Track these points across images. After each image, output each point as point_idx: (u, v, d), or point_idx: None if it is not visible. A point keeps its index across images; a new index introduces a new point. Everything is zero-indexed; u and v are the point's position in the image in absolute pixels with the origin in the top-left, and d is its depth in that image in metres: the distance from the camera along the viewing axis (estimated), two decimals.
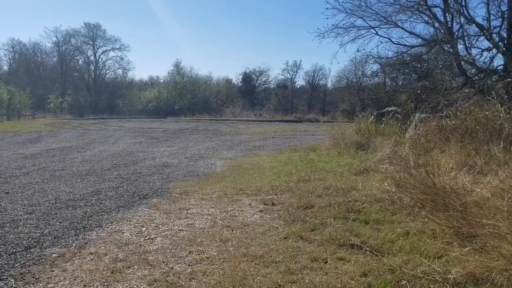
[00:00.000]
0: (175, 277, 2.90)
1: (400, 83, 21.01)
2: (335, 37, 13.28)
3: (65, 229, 3.98)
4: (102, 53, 45.99)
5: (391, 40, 13.47)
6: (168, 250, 3.43)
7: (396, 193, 4.71)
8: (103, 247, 3.50)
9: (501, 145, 5.37)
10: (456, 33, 11.61)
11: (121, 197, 5.36)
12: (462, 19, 11.30)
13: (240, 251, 3.35)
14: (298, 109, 38.79)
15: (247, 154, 10.00)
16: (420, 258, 3.08)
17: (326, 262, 3.10)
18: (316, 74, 42.80)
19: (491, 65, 11.35)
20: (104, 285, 2.79)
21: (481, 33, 11.22)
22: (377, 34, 13.24)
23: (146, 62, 75.51)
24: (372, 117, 11.30)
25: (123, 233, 3.90)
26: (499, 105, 6.67)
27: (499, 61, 11.68)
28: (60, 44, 44.88)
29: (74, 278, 2.89)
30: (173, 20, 70.91)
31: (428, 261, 3.02)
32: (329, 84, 43.07)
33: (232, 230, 3.94)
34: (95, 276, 2.92)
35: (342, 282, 2.74)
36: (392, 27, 12.94)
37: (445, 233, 3.51)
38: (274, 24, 73.05)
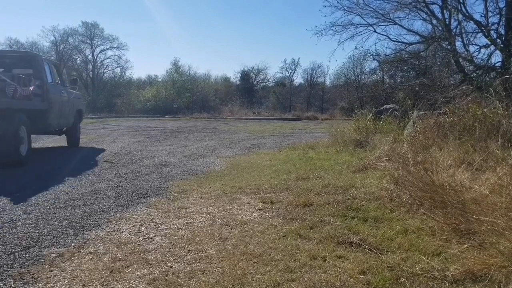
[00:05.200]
0: (174, 276, 2.90)
1: (398, 80, 21.06)
2: (333, 34, 13.31)
3: (64, 229, 3.97)
4: (100, 52, 45.81)
5: (389, 38, 13.48)
6: (167, 249, 3.43)
7: (395, 190, 4.71)
8: (102, 247, 3.50)
9: (499, 142, 5.37)
10: (454, 30, 11.62)
11: (120, 196, 5.35)
12: (460, 16, 11.30)
13: (239, 249, 3.36)
14: (296, 107, 38.74)
15: (246, 152, 10.01)
16: (418, 256, 3.09)
17: (325, 260, 3.10)
18: (314, 72, 42.78)
19: (489, 62, 11.36)
20: (103, 284, 2.79)
21: (479, 30, 11.21)
22: (375, 31, 13.25)
23: (144, 61, 75.43)
24: (371, 115, 11.32)
25: (122, 232, 3.90)
26: (497, 102, 6.67)
27: (497, 58, 11.67)
28: (57, 43, 44.65)
29: (73, 277, 2.89)
30: (171, 19, 70.68)
31: (427, 258, 3.03)
32: (328, 82, 43.06)
33: (231, 229, 3.94)
34: (94, 275, 2.92)
35: (341, 280, 2.74)
36: (390, 24, 12.95)
37: (444, 230, 3.52)
38: (272, 22, 72.89)
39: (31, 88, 8.00)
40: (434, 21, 12.18)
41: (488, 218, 3.16)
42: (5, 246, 3.49)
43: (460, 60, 11.68)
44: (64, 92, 10.15)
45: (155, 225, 4.09)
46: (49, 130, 9.82)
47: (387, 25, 13.03)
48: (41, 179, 6.48)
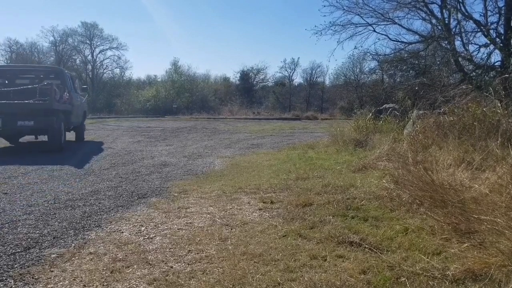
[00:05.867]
0: (175, 276, 2.90)
1: (398, 80, 21.04)
2: (332, 34, 13.29)
3: (64, 229, 3.97)
4: (99, 53, 45.88)
5: (388, 37, 13.47)
6: (167, 249, 3.43)
7: (395, 190, 4.71)
8: (102, 247, 3.50)
9: (498, 141, 5.38)
10: (453, 29, 11.61)
11: (120, 196, 5.35)
12: (459, 15, 11.30)
13: (239, 249, 3.36)
14: (296, 107, 38.79)
15: (246, 152, 10.01)
16: (419, 255, 3.10)
17: (325, 259, 3.10)
18: (313, 71, 42.91)
19: (489, 61, 11.35)
20: (103, 285, 2.79)
21: (478, 29, 11.21)
22: (374, 31, 13.24)
23: (144, 61, 75.46)
24: (370, 114, 11.32)
25: (122, 232, 3.90)
26: (497, 101, 6.67)
27: (496, 57, 11.68)
28: (57, 44, 44.68)
29: (74, 278, 2.89)
30: (170, 19, 70.88)
31: (427, 257, 3.03)
32: (327, 82, 43.15)
33: (231, 229, 3.94)
34: (94, 276, 2.92)
35: (341, 279, 2.74)
36: (390, 24, 12.94)
37: (444, 229, 3.52)
38: (272, 22, 73.04)
39: (66, 94, 10.64)
40: (434, 21, 12.18)
41: (488, 217, 3.17)
42: (5, 247, 3.49)
43: (460, 59, 11.68)
44: (78, 98, 12.44)
45: (155, 225, 4.09)
46: (69, 127, 11.60)
47: (387, 24, 13.04)
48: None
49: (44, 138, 10.36)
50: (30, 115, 8.90)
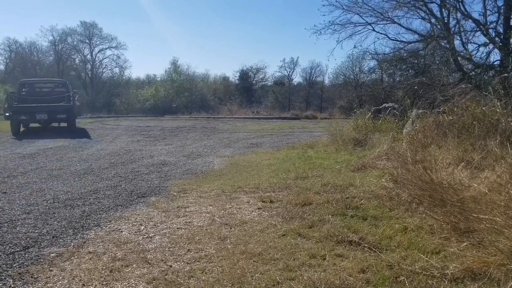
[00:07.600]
0: (174, 275, 2.90)
1: (397, 79, 21.00)
2: (331, 33, 13.25)
3: (63, 229, 3.97)
4: (98, 52, 45.75)
5: (388, 36, 13.46)
6: (166, 249, 3.43)
7: (394, 189, 4.72)
8: (101, 246, 3.50)
9: (497, 140, 5.38)
10: (453, 28, 11.59)
11: (119, 195, 5.35)
12: (459, 14, 11.29)
13: (238, 248, 3.36)
14: (295, 106, 38.71)
15: (245, 151, 10.00)
16: (418, 254, 3.10)
17: (325, 259, 3.11)
18: (313, 71, 42.78)
19: (488, 60, 11.33)
20: (103, 284, 2.79)
21: (478, 29, 11.20)
22: (373, 30, 13.22)
23: (144, 61, 75.25)
24: (370, 114, 11.31)
25: (122, 232, 3.90)
26: (496, 100, 6.67)
27: (495, 56, 11.70)
28: (56, 43, 44.57)
29: (73, 277, 2.89)
30: (170, 19, 70.76)
31: (426, 256, 3.04)
32: (326, 81, 43.05)
33: (231, 228, 3.94)
34: (93, 275, 2.92)
35: (340, 278, 2.74)
36: (389, 23, 12.92)
37: (443, 228, 3.53)
38: (271, 22, 72.85)
39: (77, 97, 16.72)
40: (433, 20, 12.16)
41: (487, 216, 3.17)
42: (4, 246, 3.49)
43: (459, 58, 11.67)
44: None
45: (155, 225, 4.10)
46: None
47: (386, 24, 13.02)
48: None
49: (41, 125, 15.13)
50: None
